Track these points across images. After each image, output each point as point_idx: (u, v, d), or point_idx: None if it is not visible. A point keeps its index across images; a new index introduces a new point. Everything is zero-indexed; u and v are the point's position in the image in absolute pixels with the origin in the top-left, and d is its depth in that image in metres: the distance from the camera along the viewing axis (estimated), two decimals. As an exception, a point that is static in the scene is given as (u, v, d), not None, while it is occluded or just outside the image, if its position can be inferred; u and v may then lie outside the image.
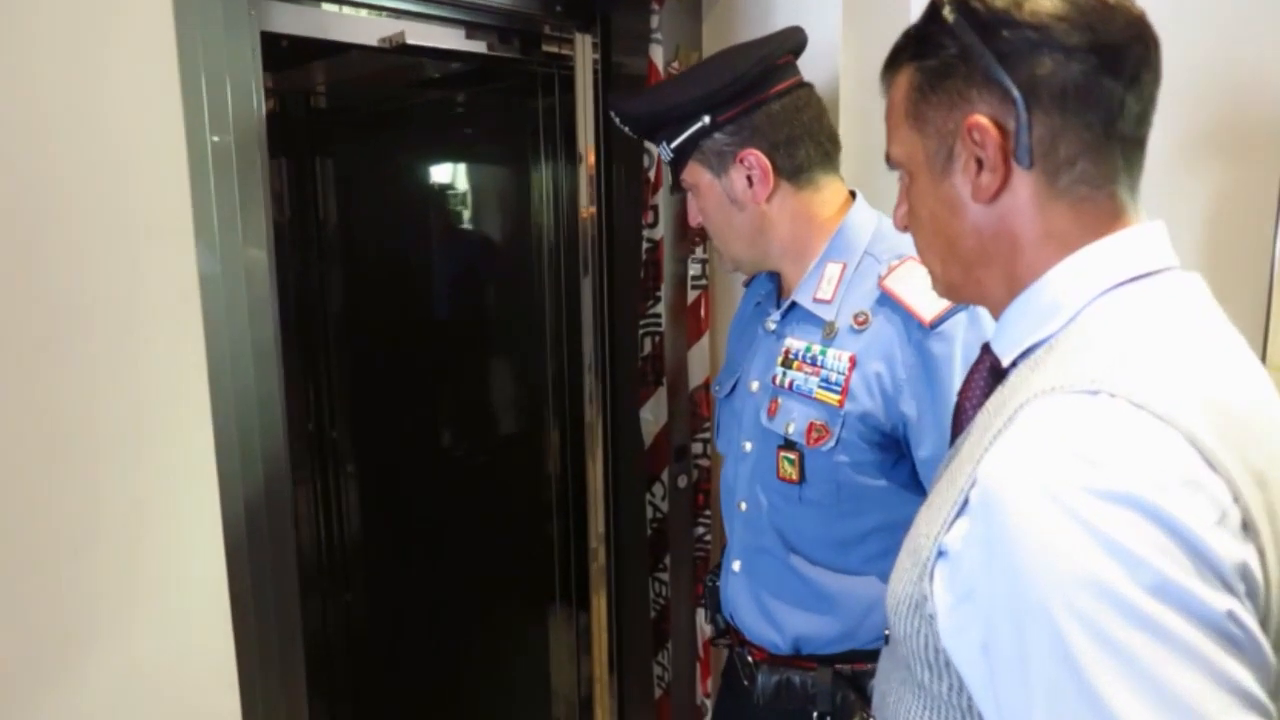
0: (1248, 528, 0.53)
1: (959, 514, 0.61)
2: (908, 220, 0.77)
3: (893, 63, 0.73)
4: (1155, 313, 0.63)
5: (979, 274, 0.71)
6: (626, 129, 1.26)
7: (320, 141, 2.35)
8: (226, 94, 1.17)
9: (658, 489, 1.69)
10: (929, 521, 0.66)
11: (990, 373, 0.75)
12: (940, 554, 0.63)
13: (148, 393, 0.95)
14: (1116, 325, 0.62)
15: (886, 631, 0.78)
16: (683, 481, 1.68)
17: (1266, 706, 0.49)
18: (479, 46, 1.53)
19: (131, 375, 0.92)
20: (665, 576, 1.70)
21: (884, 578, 1.14)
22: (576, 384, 1.73)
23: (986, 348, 0.76)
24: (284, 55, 1.54)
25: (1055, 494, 0.53)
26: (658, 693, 1.72)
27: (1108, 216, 0.65)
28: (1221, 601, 0.49)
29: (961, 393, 0.80)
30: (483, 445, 2.15)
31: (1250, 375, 0.62)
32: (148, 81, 0.96)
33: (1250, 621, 0.50)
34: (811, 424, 1.11)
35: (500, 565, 2.11)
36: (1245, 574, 0.51)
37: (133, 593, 0.95)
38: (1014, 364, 0.70)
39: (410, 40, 1.40)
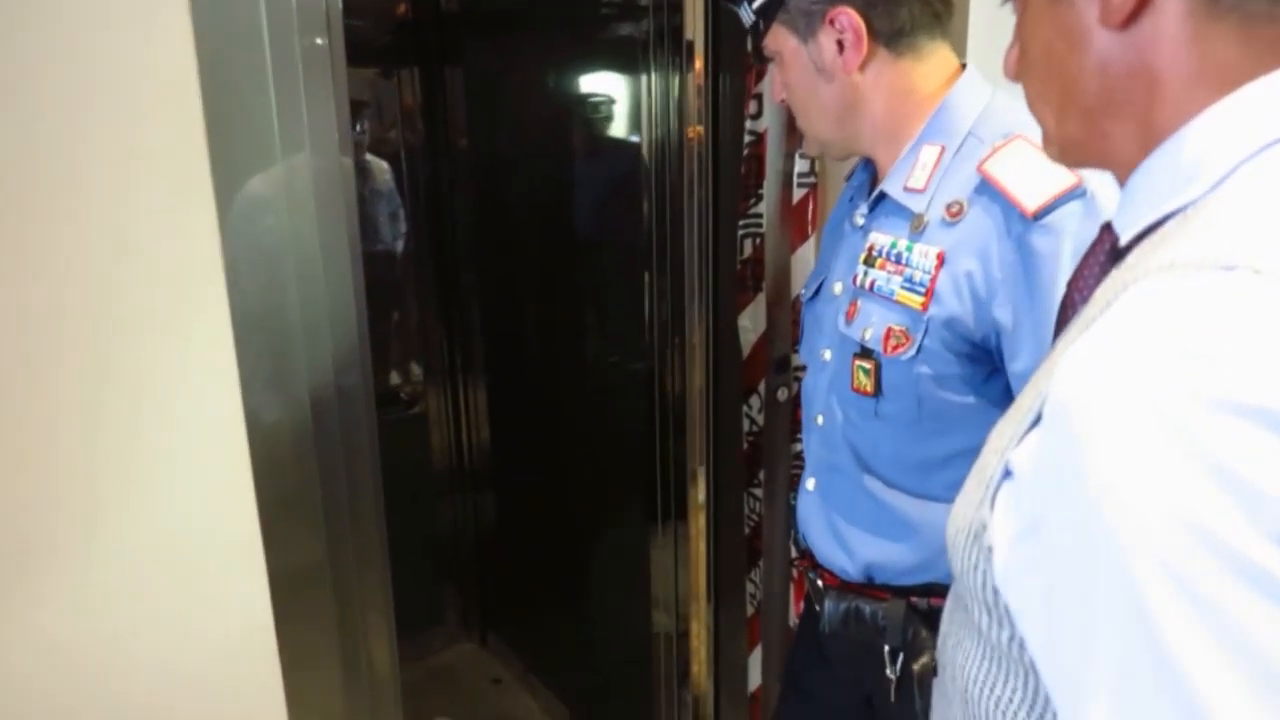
0: None
1: (1033, 425, 0.48)
2: (1018, 65, 0.61)
3: None
4: None
5: (1105, 126, 0.55)
6: None
7: (449, 47, 2.34)
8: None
9: (754, 402, 1.60)
10: (1000, 436, 0.54)
11: (1109, 256, 0.59)
12: (1007, 474, 0.50)
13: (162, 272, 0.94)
14: (1276, 188, 0.45)
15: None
16: (782, 395, 1.58)
17: None
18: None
19: (139, 250, 0.91)
20: (760, 493, 1.62)
21: (971, 506, 1.02)
22: (679, 294, 1.65)
23: (1108, 227, 0.60)
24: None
25: (1153, 403, 0.39)
26: (749, 611, 1.66)
27: None
28: None
29: (1071, 283, 0.64)
30: (597, 359, 2.12)
31: None
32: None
33: None
34: (890, 329, 0.98)
35: (608, 476, 2.11)
36: None
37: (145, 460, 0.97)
38: (1136, 241, 0.55)
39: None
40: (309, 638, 1.19)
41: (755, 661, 1.67)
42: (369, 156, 2.46)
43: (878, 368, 1.00)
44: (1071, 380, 0.43)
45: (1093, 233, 0.87)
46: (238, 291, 0.99)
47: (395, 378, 2.57)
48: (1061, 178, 0.87)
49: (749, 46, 1.39)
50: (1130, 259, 0.52)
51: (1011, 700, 0.54)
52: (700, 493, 1.71)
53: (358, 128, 2.49)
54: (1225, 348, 0.38)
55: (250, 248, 1.03)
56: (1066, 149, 0.60)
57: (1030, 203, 0.87)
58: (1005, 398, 0.96)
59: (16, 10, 0.79)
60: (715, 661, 1.80)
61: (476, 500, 2.69)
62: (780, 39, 1.04)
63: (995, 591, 0.52)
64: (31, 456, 0.88)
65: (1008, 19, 0.62)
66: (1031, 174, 0.89)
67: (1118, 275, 0.51)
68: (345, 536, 1.24)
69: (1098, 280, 0.59)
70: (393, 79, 2.40)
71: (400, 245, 2.54)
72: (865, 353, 1.01)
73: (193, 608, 1.01)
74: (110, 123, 0.85)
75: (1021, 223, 0.88)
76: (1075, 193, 0.86)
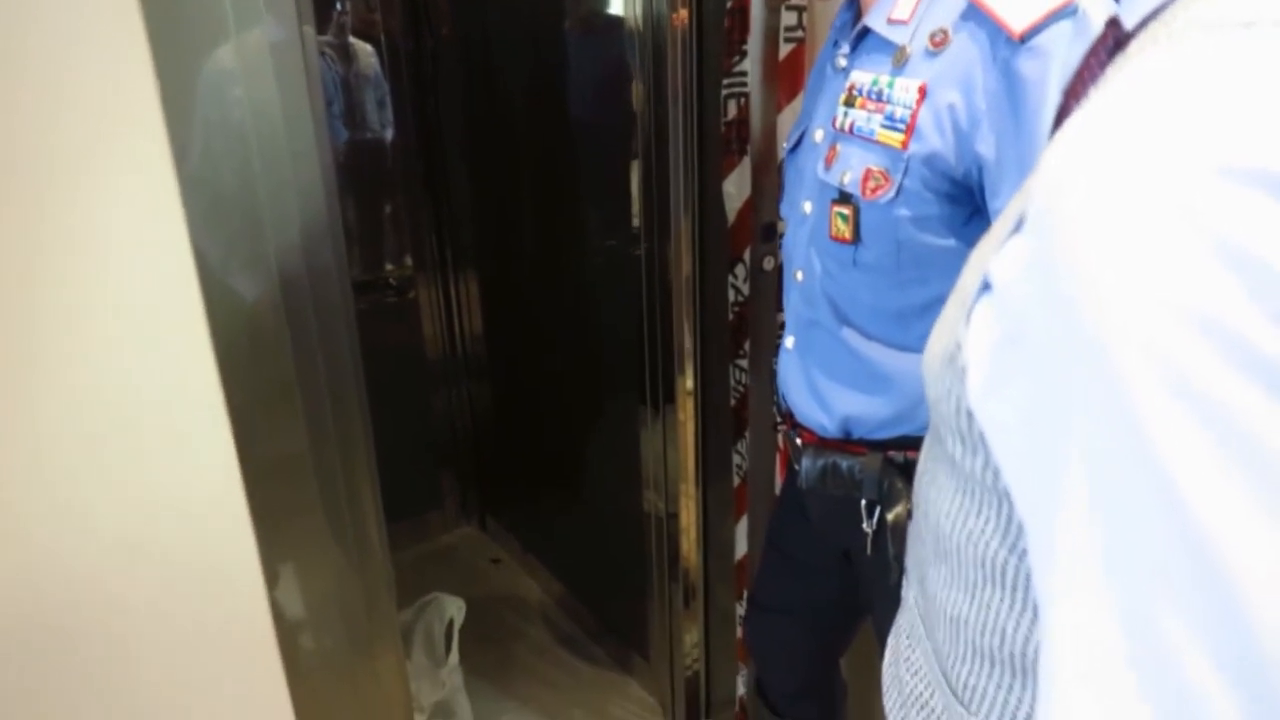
0: None
1: (1015, 230, 0.42)
2: None
3: None
4: None
5: None
6: None
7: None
8: None
9: (740, 271, 1.56)
10: (980, 253, 0.49)
11: (1111, 53, 0.54)
12: (985, 288, 0.45)
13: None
14: None
15: None
16: (768, 263, 1.54)
17: None
18: None
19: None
20: (745, 364, 1.60)
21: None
22: (664, 169, 1.59)
23: (1113, 22, 0.54)
24: None
25: (1159, 174, 0.32)
26: (736, 481, 1.67)
27: None
28: None
29: (1069, 92, 0.56)
30: (586, 241, 2.08)
31: None
32: None
33: None
34: (869, 171, 0.93)
35: (600, 359, 2.09)
36: None
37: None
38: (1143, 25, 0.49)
39: None
40: (292, 523, 1.19)
41: (741, 530, 1.69)
42: (352, 39, 2.37)
43: (856, 213, 0.96)
44: (1057, 162, 0.37)
45: (1082, 55, 0.81)
46: (190, 163, 0.94)
47: (386, 265, 2.54)
48: (1053, -6, 0.81)
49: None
50: (1133, 46, 0.45)
51: (984, 532, 0.52)
52: (689, 379, 1.70)
53: (338, 5, 2.39)
54: (1233, 109, 0.32)
55: (203, 119, 0.98)
56: None
57: (1018, 23, 0.81)
58: (987, 240, 0.92)
59: None
60: (704, 536, 1.82)
61: (472, 388, 2.69)
62: None
63: (969, 415, 0.48)
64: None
65: None
66: (1021, -7, 0.83)
67: (1120, 60, 0.46)
68: (325, 419, 1.22)
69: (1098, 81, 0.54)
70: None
71: (389, 133, 2.48)
72: (844, 198, 0.97)
73: (159, 490, 0.98)
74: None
75: (1008, 46, 0.82)
76: (1066, 11, 0.80)
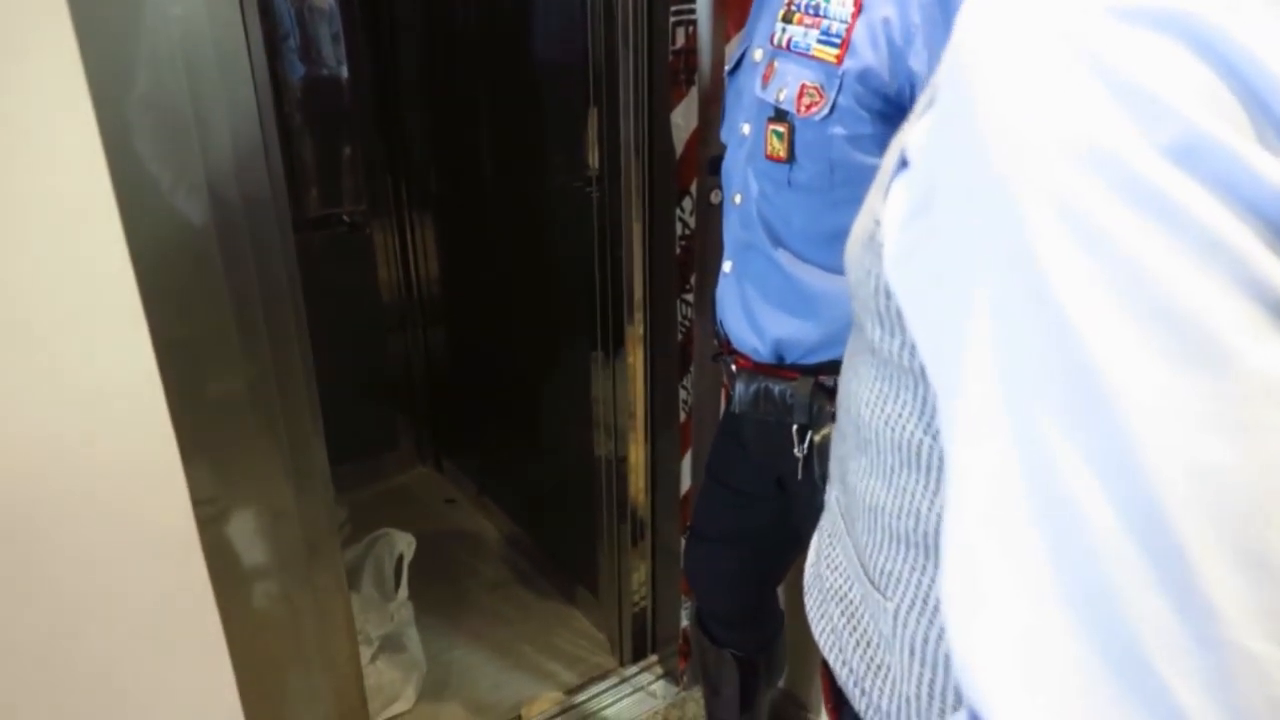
0: None
1: (930, 104, 0.44)
2: None
3: None
4: None
5: None
6: None
7: None
8: None
9: (687, 204, 1.55)
10: (898, 139, 0.49)
11: None
12: (902, 165, 0.46)
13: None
14: None
15: None
16: (715, 197, 1.53)
17: None
18: None
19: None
20: (691, 299, 1.60)
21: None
22: (613, 99, 1.57)
23: None
24: None
25: (1053, 17, 0.33)
26: (681, 417, 1.68)
27: None
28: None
29: None
30: (538, 184, 2.05)
31: None
32: None
33: None
34: (804, 86, 0.92)
35: (552, 302, 2.08)
36: None
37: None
38: None
39: None
40: (228, 456, 1.17)
41: (686, 465, 1.70)
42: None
43: (791, 130, 0.95)
44: (971, 24, 0.37)
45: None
46: (105, 70, 0.90)
47: (340, 204, 2.49)
48: (986, -95, 0.79)
49: None
50: None
51: (900, 415, 0.52)
52: (639, 324, 1.69)
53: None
54: None
55: (123, 33, 0.94)
56: None
57: (950, -66, 0.80)
58: (918, 160, 0.92)
59: None
60: (651, 476, 1.84)
61: (428, 330, 2.67)
62: None
63: (887, 294, 0.48)
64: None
65: None
66: (955, -98, 0.81)
67: None
68: (264, 357, 1.19)
69: None
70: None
71: (344, 70, 2.42)
72: (779, 115, 0.96)
73: (94, 433, 0.96)
74: None
75: (941, -41, 0.81)
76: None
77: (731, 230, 1.12)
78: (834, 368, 1.04)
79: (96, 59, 0.88)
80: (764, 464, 1.20)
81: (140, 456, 0.99)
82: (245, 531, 1.23)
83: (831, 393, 1.04)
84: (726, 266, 1.13)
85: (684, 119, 1.49)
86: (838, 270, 1.01)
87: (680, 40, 1.45)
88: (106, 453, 0.97)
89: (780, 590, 1.48)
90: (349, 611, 1.46)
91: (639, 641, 2.00)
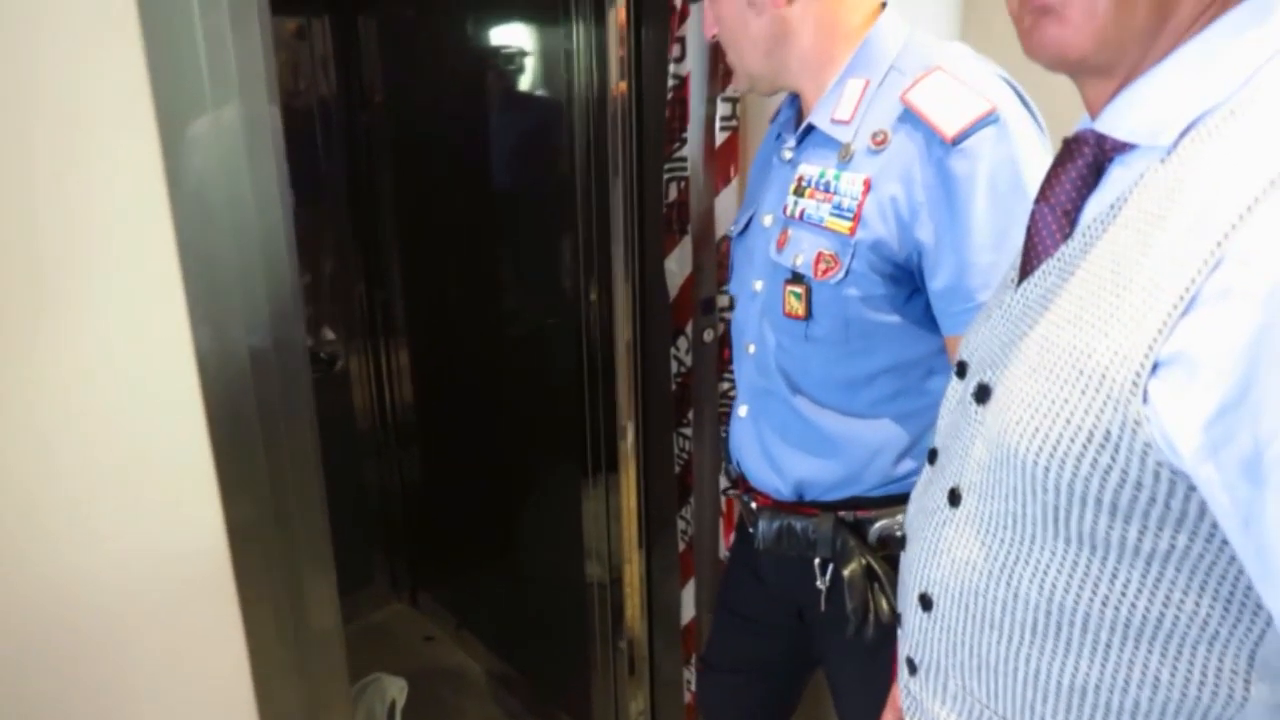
0: None
1: (1187, 312, 0.50)
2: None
3: None
4: None
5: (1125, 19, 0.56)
6: None
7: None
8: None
9: (682, 343, 1.64)
10: (1099, 337, 0.55)
11: (1091, 170, 0.62)
12: (1157, 366, 0.52)
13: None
14: None
15: (954, 486, 0.69)
16: (708, 335, 1.62)
17: None
18: None
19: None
20: (689, 432, 1.67)
21: (897, 419, 1.08)
22: (605, 244, 1.67)
23: (1084, 139, 0.62)
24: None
25: None
26: (681, 546, 1.72)
27: None
28: None
29: (1041, 197, 0.65)
30: (522, 311, 2.13)
31: None
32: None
33: None
34: (820, 254, 1.02)
35: (538, 428, 2.12)
36: None
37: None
38: (1128, 150, 0.59)
39: None
40: (256, 593, 1.18)
41: (688, 594, 1.73)
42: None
43: (808, 292, 1.04)
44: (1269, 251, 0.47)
45: (1006, 154, 0.93)
46: (181, 236, 0.97)
47: (319, 335, 2.52)
48: (976, 105, 0.92)
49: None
50: (1177, 157, 0.55)
51: (1123, 594, 0.58)
52: (629, 443, 1.75)
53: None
54: None
55: (191, 194, 1.01)
56: (1098, 37, 0.58)
57: (949, 128, 0.93)
58: (925, 316, 1.02)
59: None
60: (648, 604, 1.85)
61: (403, 459, 2.67)
62: None
63: (1138, 486, 0.54)
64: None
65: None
66: (950, 102, 0.94)
67: (1173, 172, 0.54)
68: (288, 493, 1.22)
69: (1079, 193, 0.62)
70: (306, 28, 2.33)
71: (320, 201, 2.48)
72: (797, 278, 1.05)
73: (146, 533, 0.99)
74: (55, 53, 0.82)
75: (942, 147, 0.93)
76: (989, 119, 0.92)
77: (746, 376, 1.20)
78: (852, 503, 1.11)
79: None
80: (783, 595, 1.24)
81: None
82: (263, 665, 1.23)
83: (852, 527, 1.10)
84: (742, 411, 1.20)
85: (678, 264, 1.60)
86: (852, 413, 1.09)
87: (674, 194, 1.57)
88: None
89: None
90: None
91: (638, 776, 1.96)
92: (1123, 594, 0.58)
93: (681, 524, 1.71)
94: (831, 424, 1.10)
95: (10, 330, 0.85)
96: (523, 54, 1.95)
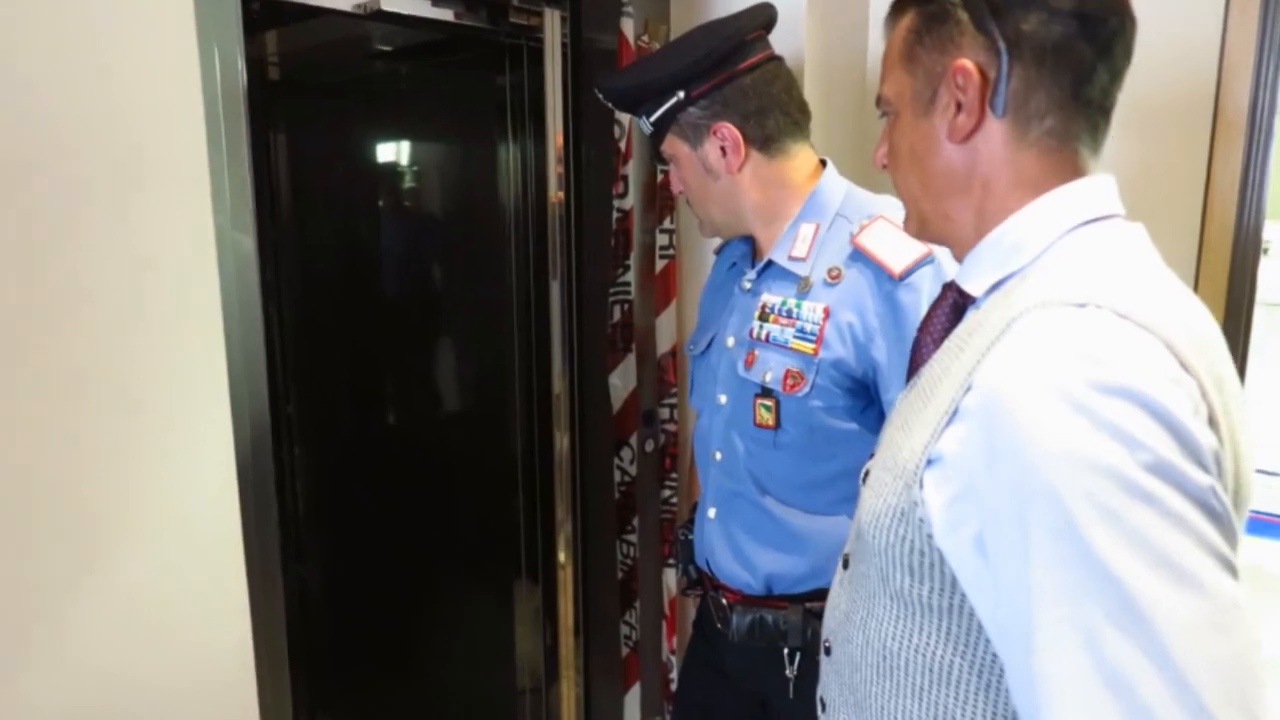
0: (1213, 422, 0.60)
1: (949, 423, 0.66)
2: (887, 158, 0.83)
3: (897, 7, 0.78)
4: (1117, 247, 0.70)
5: (947, 207, 0.77)
6: (610, 103, 1.31)
7: (277, 114, 2.33)
8: (214, 60, 1.18)
9: (626, 453, 1.74)
10: (909, 437, 0.71)
11: (952, 310, 0.81)
12: (929, 462, 0.67)
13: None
14: (1086, 256, 0.69)
15: (846, 552, 0.83)
16: (650, 445, 1.74)
17: (1236, 567, 0.56)
18: (445, 14, 1.55)
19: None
20: (633, 538, 1.75)
21: (853, 517, 1.22)
22: (545, 356, 1.77)
23: (950, 286, 0.82)
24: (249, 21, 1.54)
25: (1061, 388, 0.58)
26: (625, 651, 1.77)
27: (1070, 169, 0.72)
28: (1204, 479, 0.56)
29: (922, 329, 0.84)
30: (454, 421, 2.16)
31: (1195, 303, 0.70)
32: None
33: (1225, 496, 0.57)
34: (788, 371, 1.17)
35: (470, 536, 2.13)
36: (1216, 458, 0.58)
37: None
38: (974, 300, 0.77)
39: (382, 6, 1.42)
40: None
41: (633, 698, 1.78)
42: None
43: (778, 404, 1.19)
44: (997, 381, 0.62)
45: (940, 289, 1.12)
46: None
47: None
48: (916, 248, 1.12)
49: (640, 150, 1.58)
50: (985, 306, 0.74)
51: (927, 643, 0.71)
52: (563, 552, 1.81)
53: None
54: (1097, 352, 0.59)
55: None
56: (921, 223, 0.83)
57: (896, 265, 1.11)
58: (879, 425, 1.18)
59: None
60: (586, 709, 1.88)
61: (303, 576, 2.57)
62: (675, 145, 1.25)
63: (924, 554, 0.69)
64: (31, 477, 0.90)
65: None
66: (894, 245, 1.13)
67: (978, 317, 0.73)
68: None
69: (945, 329, 0.81)
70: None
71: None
72: (766, 392, 1.20)
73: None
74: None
75: (890, 282, 1.12)
76: (927, 260, 1.11)
77: (713, 480, 1.31)
78: (818, 595, 1.23)
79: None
80: (748, 686, 1.33)
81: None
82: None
83: (819, 616, 1.22)
84: (711, 513, 1.31)
85: (622, 379, 1.72)
86: (814, 511, 1.22)
87: (617, 315, 1.71)
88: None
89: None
90: None
91: None
92: (926, 643, 0.71)
93: (626, 629, 1.77)
94: (796, 522, 1.22)
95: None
96: (452, 167, 2.07)
